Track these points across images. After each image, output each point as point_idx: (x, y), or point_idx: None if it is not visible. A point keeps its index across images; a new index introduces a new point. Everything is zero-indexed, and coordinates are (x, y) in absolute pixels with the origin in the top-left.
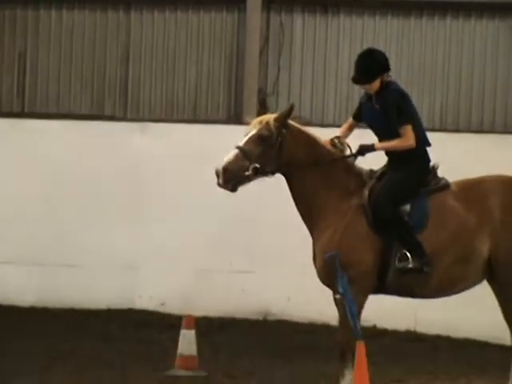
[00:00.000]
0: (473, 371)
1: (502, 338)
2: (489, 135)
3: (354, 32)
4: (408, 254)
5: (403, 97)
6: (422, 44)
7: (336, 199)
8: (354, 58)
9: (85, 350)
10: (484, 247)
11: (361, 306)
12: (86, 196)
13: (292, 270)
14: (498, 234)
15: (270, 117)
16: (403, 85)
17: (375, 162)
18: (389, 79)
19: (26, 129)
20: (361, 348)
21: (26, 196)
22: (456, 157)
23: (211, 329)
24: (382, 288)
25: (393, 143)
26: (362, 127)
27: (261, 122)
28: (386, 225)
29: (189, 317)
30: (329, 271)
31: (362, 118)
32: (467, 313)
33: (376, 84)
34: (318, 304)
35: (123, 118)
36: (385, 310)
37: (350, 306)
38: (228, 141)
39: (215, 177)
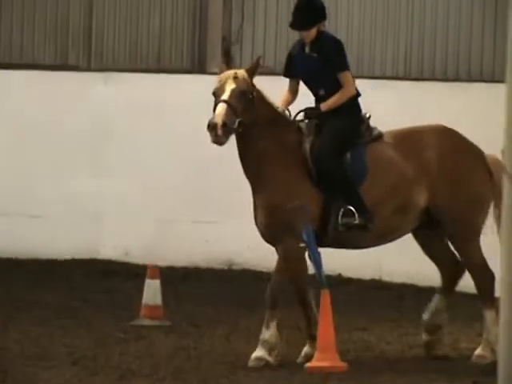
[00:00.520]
0: None
1: (467, 286)
2: (453, 83)
3: None
4: (353, 210)
5: (341, 43)
6: None
7: (282, 157)
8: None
9: (49, 299)
10: (421, 197)
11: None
12: (49, 146)
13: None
14: (435, 185)
15: (243, 71)
16: (367, 31)
17: None
18: (323, 28)
19: None
20: (326, 296)
21: None
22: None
23: (175, 278)
24: (321, 242)
25: (336, 98)
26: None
27: (236, 77)
28: (330, 178)
29: (153, 266)
30: (275, 227)
31: (295, 70)
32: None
33: (313, 31)
34: None
35: (87, 68)
36: (350, 259)
37: (314, 255)
38: (191, 90)
39: (209, 131)
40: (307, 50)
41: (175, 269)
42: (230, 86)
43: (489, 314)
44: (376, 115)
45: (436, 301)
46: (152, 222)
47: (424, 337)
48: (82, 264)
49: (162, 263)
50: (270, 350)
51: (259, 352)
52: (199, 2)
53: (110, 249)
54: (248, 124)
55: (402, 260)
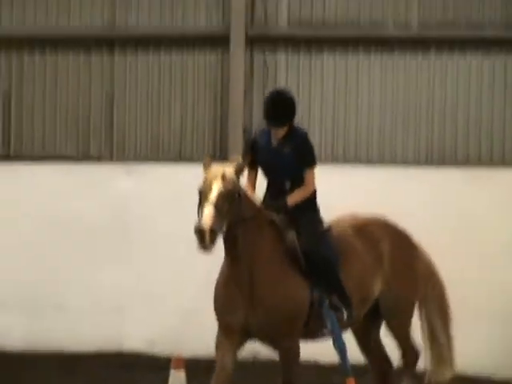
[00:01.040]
0: None
1: (493, 373)
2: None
3: (338, 70)
4: (340, 304)
5: (310, 139)
6: (405, 81)
7: (271, 253)
8: (338, 96)
9: None
10: (376, 289)
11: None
12: (73, 238)
13: None
14: (387, 277)
15: (229, 170)
16: (388, 122)
17: None
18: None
19: (12, 172)
20: None
21: (13, 239)
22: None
23: (199, 369)
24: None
25: (301, 194)
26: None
27: (224, 177)
28: (322, 270)
29: (177, 357)
30: (275, 327)
31: (256, 159)
32: (467, 347)
33: (286, 127)
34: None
35: (109, 160)
36: None
37: (339, 343)
38: None
39: (196, 236)
40: (275, 143)
41: (199, 359)
42: (218, 187)
43: None
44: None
45: None
46: (176, 312)
47: None
48: (105, 357)
49: (186, 354)
50: None
51: None
52: (220, 94)
53: (133, 341)
54: (232, 222)
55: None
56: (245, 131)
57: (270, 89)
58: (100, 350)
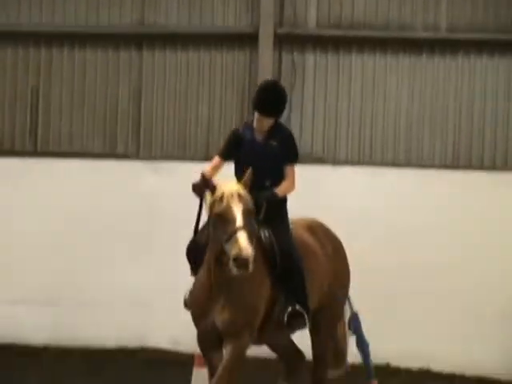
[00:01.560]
0: None
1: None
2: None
3: (366, 71)
4: (301, 310)
5: (294, 137)
6: (433, 83)
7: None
8: (366, 97)
9: None
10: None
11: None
12: (99, 235)
13: None
14: (331, 279)
15: (241, 187)
16: (415, 125)
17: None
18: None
19: (39, 168)
20: None
21: (39, 235)
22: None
23: None
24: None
25: (286, 188)
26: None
27: (240, 195)
28: (290, 272)
29: (200, 355)
30: (240, 324)
31: (237, 154)
32: (482, 350)
33: (274, 120)
34: None
35: (136, 157)
36: (398, 349)
37: (363, 345)
38: None
39: (235, 264)
40: (259, 137)
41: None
42: (239, 208)
43: None
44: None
45: None
46: None
47: None
48: (129, 353)
49: None
50: None
51: None
52: (248, 91)
53: (158, 337)
54: None
55: (451, 349)
56: None
57: (298, 88)
58: (124, 346)
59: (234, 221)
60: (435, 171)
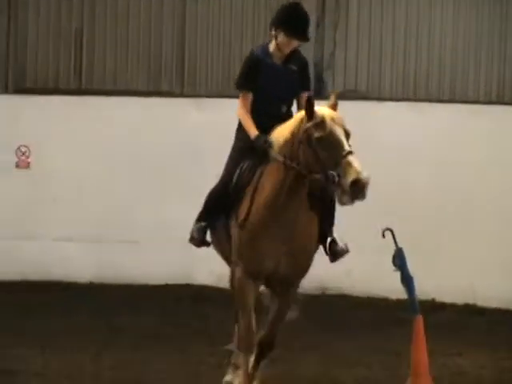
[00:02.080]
0: None
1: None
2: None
3: (410, 5)
4: (337, 239)
5: None
6: (477, 16)
7: (305, 194)
8: (409, 33)
9: (142, 325)
10: None
11: None
12: (143, 172)
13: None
14: None
15: (333, 110)
16: (460, 59)
17: None
18: None
19: (84, 106)
20: (419, 322)
21: (84, 173)
22: None
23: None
24: None
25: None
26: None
27: (340, 119)
28: (331, 206)
29: None
30: (304, 270)
31: (259, 82)
32: None
33: (298, 44)
34: (377, 278)
35: (180, 94)
36: (443, 284)
37: (408, 280)
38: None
39: (357, 190)
40: (278, 61)
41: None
42: (343, 132)
43: None
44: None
45: None
46: None
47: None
48: (175, 289)
49: None
50: None
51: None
52: None
53: (203, 274)
54: None
55: (496, 284)
56: (316, 67)
57: (342, 25)
58: (169, 282)
59: (341, 145)
60: (480, 106)
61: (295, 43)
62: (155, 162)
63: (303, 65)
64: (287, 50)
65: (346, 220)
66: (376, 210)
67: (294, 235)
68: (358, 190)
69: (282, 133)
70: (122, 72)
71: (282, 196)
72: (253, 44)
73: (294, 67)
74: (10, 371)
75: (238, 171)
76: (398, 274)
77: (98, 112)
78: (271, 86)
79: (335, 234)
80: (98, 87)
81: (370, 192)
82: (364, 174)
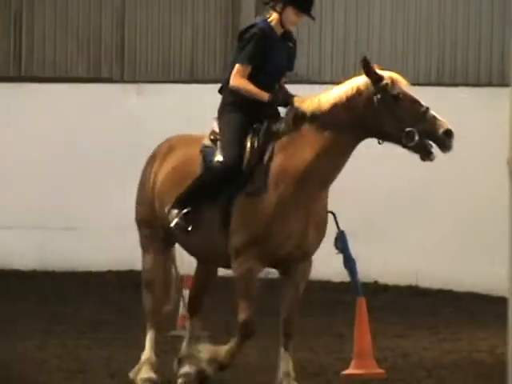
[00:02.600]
0: (475, 324)
1: (504, 290)
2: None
3: None
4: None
5: None
6: None
7: None
8: (350, 16)
9: (85, 311)
10: None
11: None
12: (84, 158)
13: None
14: None
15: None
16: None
17: None
18: None
19: (23, 93)
20: (362, 304)
21: (25, 160)
22: None
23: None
24: None
25: None
26: None
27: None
28: None
29: (190, 277)
30: (320, 242)
31: (265, 58)
32: (469, 266)
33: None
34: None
35: (120, 80)
36: (386, 266)
37: (350, 263)
38: None
39: (451, 138)
40: (279, 38)
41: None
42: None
43: None
44: None
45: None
46: None
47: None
48: (117, 276)
49: None
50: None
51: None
52: (231, 11)
53: None
54: None
55: (439, 266)
56: None
57: None
58: (112, 269)
59: (418, 101)
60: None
61: (301, 19)
62: (96, 149)
63: (295, 43)
64: (291, 27)
65: None
66: None
67: (320, 205)
68: (449, 140)
69: (318, 102)
70: (62, 58)
71: (325, 163)
72: (192, 27)
73: (291, 43)
74: None
75: (247, 147)
76: (340, 257)
77: (38, 100)
78: (274, 61)
79: None
80: (37, 74)
81: None
82: (448, 126)
